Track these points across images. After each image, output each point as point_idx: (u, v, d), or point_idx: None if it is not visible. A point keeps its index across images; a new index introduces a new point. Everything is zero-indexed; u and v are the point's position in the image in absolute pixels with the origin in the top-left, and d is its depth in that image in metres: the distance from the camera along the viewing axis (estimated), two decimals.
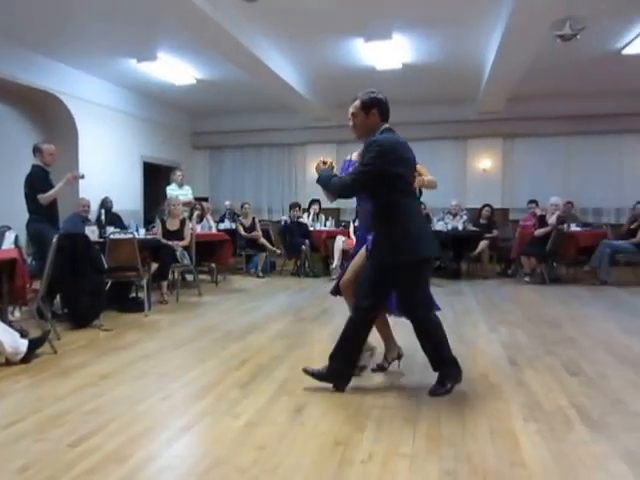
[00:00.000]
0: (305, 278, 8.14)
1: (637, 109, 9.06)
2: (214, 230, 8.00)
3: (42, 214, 5.00)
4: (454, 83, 8.68)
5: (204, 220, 8.08)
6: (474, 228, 8.12)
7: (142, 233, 6.30)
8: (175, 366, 3.54)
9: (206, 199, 10.06)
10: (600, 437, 2.36)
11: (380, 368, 3.34)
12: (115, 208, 7.90)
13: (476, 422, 2.54)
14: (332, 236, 8.20)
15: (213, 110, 11.03)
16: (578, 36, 5.85)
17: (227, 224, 8.68)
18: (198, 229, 7.43)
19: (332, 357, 2.97)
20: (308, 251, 8.25)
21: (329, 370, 2.96)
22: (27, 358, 3.49)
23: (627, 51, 6.87)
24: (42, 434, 2.40)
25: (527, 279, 7.41)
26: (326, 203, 8.69)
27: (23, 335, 3.66)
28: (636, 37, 6.38)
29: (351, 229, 7.19)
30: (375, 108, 2.90)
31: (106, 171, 8.65)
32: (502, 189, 10.14)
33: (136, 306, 5.37)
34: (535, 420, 2.55)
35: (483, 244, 7.83)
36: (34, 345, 3.58)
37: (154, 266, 5.79)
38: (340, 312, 4.97)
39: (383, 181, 2.78)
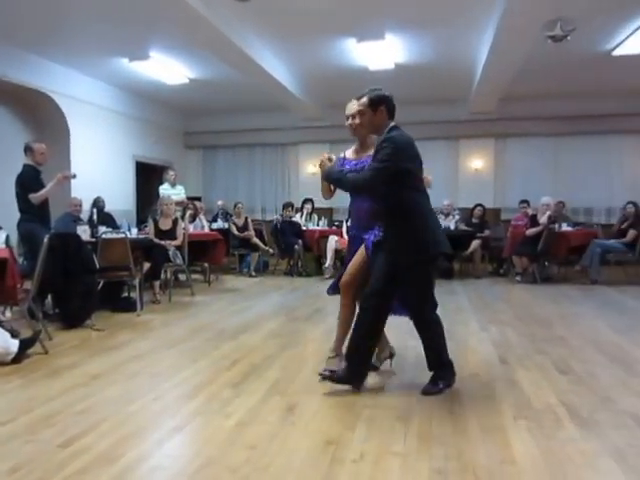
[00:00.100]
0: (298, 278, 8.15)
1: (628, 110, 9.14)
2: (207, 230, 7.99)
3: (33, 214, 4.98)
4: (446, 83, 8.72)
5: (197, 220, 8.06)
6: (466, 228, 8.16)
7: (134, 233, 6.28)
8: (167, 366, 3.53)
9: (199, 199, 10.04)
10: (589, 435, 2.38)
11: (372, 367, 3.35)
12: (108, 208, 7.86)
13: (467, 420, 2.55)
14: (325, 236, 8.21)
15: (206, 110, 11.01)
16: (569, 37, 5.90)
17: (220, 224, 8.66)
18: (191, 229, 7.41)
19: (348, 359, 2.96)
20: (301, 251, 8.25)
21: (347, 372, 2.95)
22: (18, 358, 3.48)
23: (617, 52, 6.93)
24: (33, 435, 2.39)
25: (518, 278, 7.45)
26: (319, 203, 8.80)
27: (14, 335, 3.65)
28: (626, 38, 6.43)
29: (344, 229, 7.21)
30: (383, 105, 2.89)
31: (98, 171, 8.60)
32: (494, 189, 10.19)
33: (128, 306, 5.35)
34: (525, 418, 2.57)
35: (475, 244, 7.87)
36: (25, 345, 3.56)
37: (146, 266, 5.78)
38: (333, 312, 4.98)
39: (398, 178, 2.79)
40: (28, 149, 5.05)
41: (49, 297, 4.94)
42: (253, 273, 8.26)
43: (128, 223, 6.70)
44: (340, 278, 3.18)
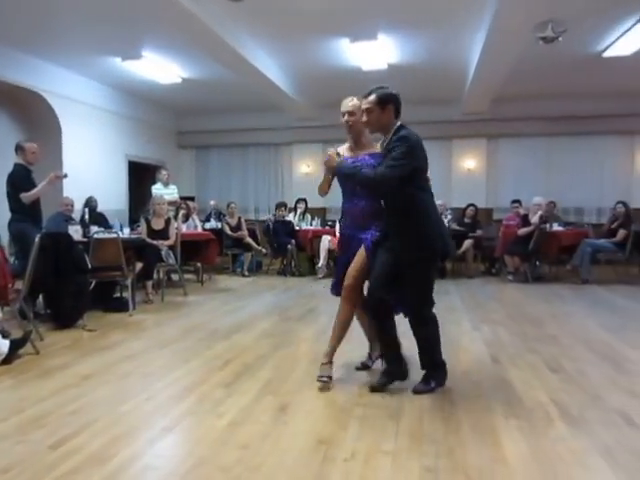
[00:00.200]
0: (291, 277, 8.14)
1: (618, 110, 9.21)
2: (200, 229, 7.98)
3: (24, 213, 4.94)
4: (439, 84, 8.75)
5: (190, 219, 8.04)
6: (459, 227, 8.20)
7: (127, 232, 6.26)
8: (159, 366, 3.53)
9: (192, 198, 10.00)
10: (579, 433, 2.41)
11: (364, 366, 3.37)
12: (100, 207, 7.82)
13: (458, 419, 2.57)
14: (318, 235, 8.21)
15: (199, 109, 10.97)
16: (560, 38, 5.93)
17: (213, 223, 8.65)
18: (184, 228, 7.40)
19: (384, 359, 3.10)
20: (294, 250, 8.25)
21: (388, 373, 3.03)
22: (9, 359, 3.46)
23: (608, 54, 6.97)
24: (24, 435, 2.39)
25: (510, 278, 7.50)
26: (312, 202, 8.81)
27: (5, 336, 3.63)
28: (616, 40, 6.48)
29: (337, 228, 7.21)
30: (391, 104, 2.90)
31: (91, 170, 8.55)
32: (486, 189, 10.23)
33: (120, 306, 5.33)
34: (516, 417, 2.59)
35: (467, 243, 7.92)
36: (16, 346, 3.55)
37: (139, 266, 5.76)
38: (326, 312, 5.00)
39: (410, 176, 2.80)
40: (19, 148, 5.02)
41: (40, 297, 4.91)
42: (246, 273, 8.25)
43: (120, 223, 6.67)
44: (340, 279, 3.13)
